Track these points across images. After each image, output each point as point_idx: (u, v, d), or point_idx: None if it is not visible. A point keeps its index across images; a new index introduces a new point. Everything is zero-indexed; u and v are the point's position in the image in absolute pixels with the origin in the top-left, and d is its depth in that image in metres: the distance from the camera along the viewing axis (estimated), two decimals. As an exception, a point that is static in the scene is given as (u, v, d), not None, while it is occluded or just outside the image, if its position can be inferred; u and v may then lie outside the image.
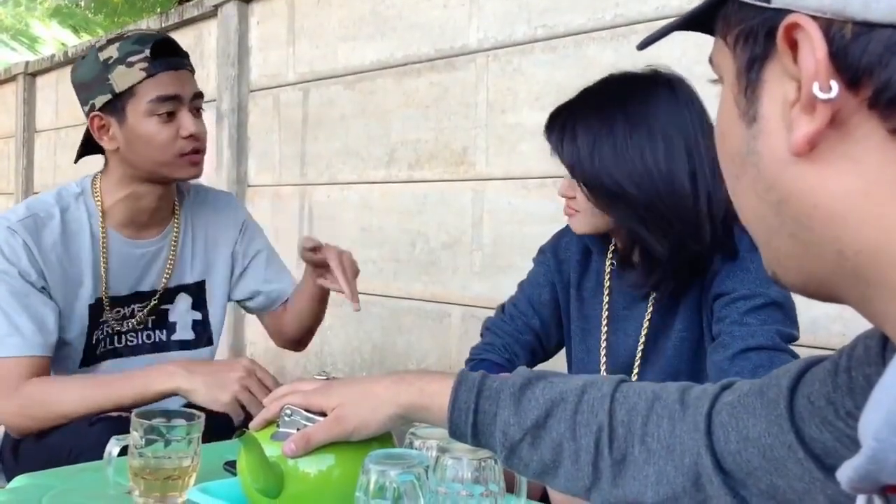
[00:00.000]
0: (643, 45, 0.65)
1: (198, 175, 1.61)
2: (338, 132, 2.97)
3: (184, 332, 1.71)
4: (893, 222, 0.46)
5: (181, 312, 1.71)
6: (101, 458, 1.19)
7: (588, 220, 1.31)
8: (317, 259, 1.60)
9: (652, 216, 1.22)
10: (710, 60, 0.57)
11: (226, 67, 3.38)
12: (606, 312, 1.41)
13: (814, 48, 0.46)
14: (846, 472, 0.43)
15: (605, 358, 1.40)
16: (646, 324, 1.35)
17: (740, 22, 0.52)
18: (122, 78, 1.50)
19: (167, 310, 1.69)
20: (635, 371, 1.37)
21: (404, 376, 0.95)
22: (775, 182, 0.51)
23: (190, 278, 1.71)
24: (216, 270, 1.75)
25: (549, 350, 1.51)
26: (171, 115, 1.52)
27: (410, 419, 0.95)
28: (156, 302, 1.67)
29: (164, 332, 1.69)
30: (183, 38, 3.80)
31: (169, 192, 1.65)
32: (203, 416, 1.11)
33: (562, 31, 2.25)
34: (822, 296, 0.54)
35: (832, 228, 0.48)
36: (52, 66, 5.03)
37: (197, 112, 1.58)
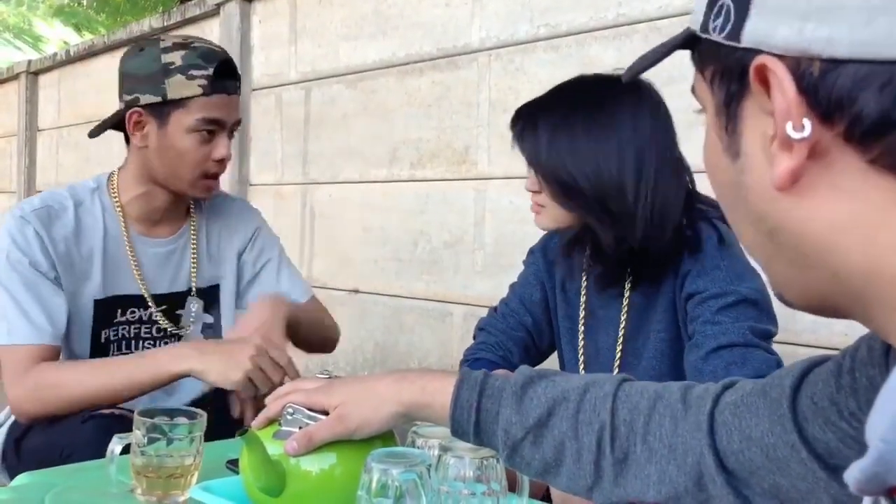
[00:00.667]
0: (629, 77, 0.65)
1: (208, 198, 1.65)
2: (340, 131, 2.97)
3: (195, 337, 1.69)
4: (883, 246, 0.46)
5: (194, 316, 1.70)
6: (94, 455, 1.20)
7: (552, 215, 1.34)
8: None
9: (599, 210, 1.26)
10: (693, 90, 0.58)
11: (228, 66, 3.38)
12: (583, 313, 1.41)
13: (783, 89, 0.46)
14: (853, 474, 0.43)
15: (582, 358, 1.41)
16: (622, 324, 1.35)
17: (714, 60, 0.52)
18: (178, 87, 1.51)
19: (180, 315, 1.68)
20: (614, 373, 1.36)
21: (406, 374, 0.95)
22: (765, 214, 0.51)
23: (202, 282, 1.70)
24: (227, 276, 1.74)
25: (543, 349, 1.52)
26: (210, 135, 1.54)
27: (412, 417, 0.95)
28: (170, 304, 1.65)
29: (176, 337, 1.68)
30: (185, 37, 3.82)
31: (184, 198, 1.66)
32: (205, 414, 1.11)
33: (564, 30, 2.25)
34: (829, 313, 0.55)
35: (824, 255, 0.49)
36: (54, 64, 5.03)
37: (231, 136, 1.60)
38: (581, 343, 1.41)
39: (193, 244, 1.69)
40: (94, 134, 1.66)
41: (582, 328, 1.41)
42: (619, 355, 1.36)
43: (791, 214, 0.49)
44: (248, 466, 0.95)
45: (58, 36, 10.67)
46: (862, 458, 0.43)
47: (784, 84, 0.46)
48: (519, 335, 1.48)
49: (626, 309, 1.35)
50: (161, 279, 1.64)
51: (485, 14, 2.47)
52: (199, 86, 1.51)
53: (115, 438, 1.08)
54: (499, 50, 2.42)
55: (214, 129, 1.54)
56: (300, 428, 0.95)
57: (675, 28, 2.16)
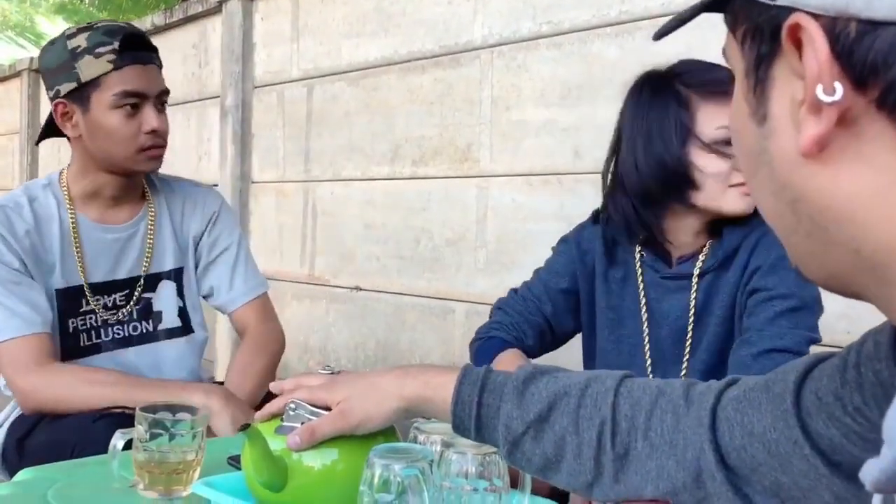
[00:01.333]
0: (658, 36, 0.63)
1: (156, 168, 1.63)
2: (342, 129, 2.97)
3: (170, 321, 1.71)
4: None
5: (167, 300, 1.71)
6: (105, 453, 1.20)
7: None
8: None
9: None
10: (724, 52, 0.56)
11: (230, 64, 3.38)
12: (645, 305, 1.40)
13: (816, 49, 0.44)
14: (871, 473, 0.42)
15: (648, 351, 1.41)
16: (691, 320, 1.35)
17: (747, 19, 0.51)
18: (88, 67, 1.51)
19: (150, 299, 1.68)
20: (683, 367, 1.36)
21: (408, 370, 0.94)
22: (788, 182, 0.50)
23: (169, 264, 1.71)
24: (188, 259, 1.75)
25: (560, 338, 1.51)
26: (134, 109, 1.53)
27: (415, 413, 0.95)
28: (140, 288, 1.66)
29: (151, 322, 1.68)
30: (187, 35, 3.81)
31: (135, 181, 1.66)
32: (208, 410, 1.11)
33: (567, 27, 2.25)
34: (846, 292, 0.53)
35: (847, 228, 0.47)
36: (56, 62, 5.03)
37: (161, 107, 1.59)
38: (646, 334, 1.40)
39: (150, 229, 1.68)
40: (38, 140, 1.69)
41: (645, 320, 1.41)
42: (688, 343, 1.36)
43: (814, 184, 0.48)
44: (250, 461, 0.95)
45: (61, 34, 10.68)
46: (879, 456, 0.42)
47: (817, 43, 0.44)
48: (536, 320, 1.48)
49: (693, 305, 1.35)
50: (117, 267, 1.64)
51: (487, 11, 2.46)
52: (109, 61, 1.50)
53: (117, 434, 1.08)
54: (501, 47, 2.42)
55: (136, 101, 1.53)
56: (302, 423, 0.95)
57: (678, 25, 2.10)
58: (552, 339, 1.51)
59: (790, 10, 0.46)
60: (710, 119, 1.28)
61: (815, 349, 1.79)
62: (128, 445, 1.08)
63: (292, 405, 0.97)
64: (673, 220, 1.35)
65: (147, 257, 1.67)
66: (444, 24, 2.59)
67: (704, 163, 1.27)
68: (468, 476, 0.93)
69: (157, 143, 1.57)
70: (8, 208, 1.55)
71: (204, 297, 1.80)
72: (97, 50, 1.51)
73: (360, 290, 2.88)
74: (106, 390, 1.45)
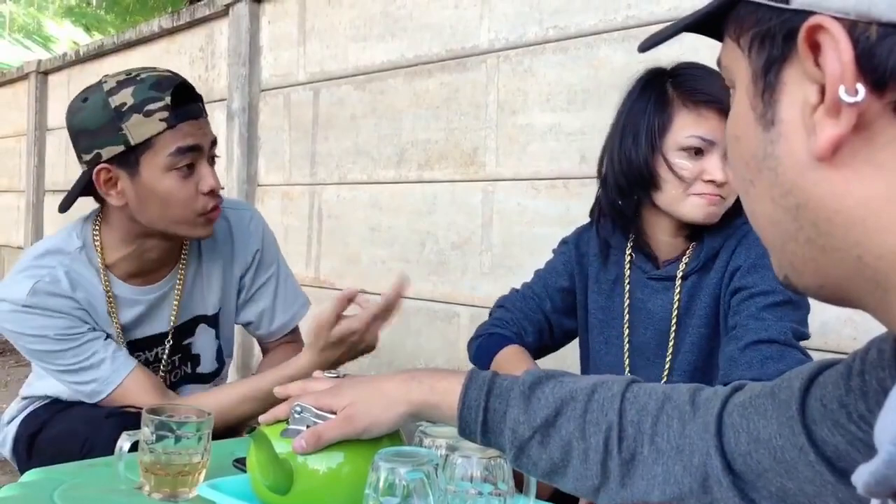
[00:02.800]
0: (644, 49, 0.64)
1: (210, 235, 1.51)
2: (348, 132, 2.98)
3: (208, 365, 1.68)
4: None
5: (205, 344, 1.66)
6: (113, 452, 1.21)
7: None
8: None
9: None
10: (719, 63, 0.56)
11: (237, 67, 3.39)
12: (628, 309, 1.41)
13: (839, 50, 0.44)
14: (862, 477, 0.43)
15: (627, 352, 1.41)
16: (674, 322, 1.36)
17: (755, 24, 0.51)
18: (138, 128, 1.36)
19: (189, 344, 1.65)
20: (666, 368, 1.37)
21: (414, 374, 0.95)
22: (794, 187, 0.50)
23: (210, 309, 1.65)
24: (230, 297, 1.68)
25: (557, 337, 1.52)
26: (189, 169, 1.41)
27: (421, 417, 0.95)
28: (171, 341, 1.60)
29: (189, 364, 1.66)
30: (194, 38, 3.83)
31: (178, 243, 1.56)
32: (213, 413, 1.12)
33: (573, 31, 2.25)
34: (837, 300, 0.53)
35: (853, 233, 0.47)
36: (63, 64, 5.05)
37: (212, 161, 1.46)
38: (626, 336, 1.42)
39: (179, 282, 1.58)
40: (64, 208, 1.46)
41: (626, 321, 1.42)
42: (671, 347, 1.36)
43: (823, 188, 0.48)
44: (256, 464, 0.95)
45: (68, 36, 10.72)
46: (871, 460, 0.42)
47: (841, 45, 0.44)
48: (536, 317, 1.50)
49: (676, 307, 1.36)
50: (154, 321, 1.58)
51: (493, 16, 2.47)
52: (161, 119, 1.37)
53: (123, 435, 1.08)
54: (507, 51, 2.42)
55: (192, 159, 1.40)
56: (308, 426, 0.95)
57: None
58: (551, 338, 1.52)
59: (806, 13, 0.46)
60: (685, 126, 1.29)
61: (818, 355, 1.79)
62: (134, 447, 1.08)
63: (297, 409, 0.97)
64: (648, 217, 1.37)
65: (174, 310, 1.58)
66: (450, 28, 2.59)
67: (667, 167, 1.29)
68: (473, 480, 0.93)
69: (215, 203, 1.45)
70: (43, 285, 1.42)
71: (244, 325, 1.75)
72: (147, 108, 1.36)
73: (365, 293, 2.88)
74: (237, 402, 1.43)
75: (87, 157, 1.42)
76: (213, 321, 1.67)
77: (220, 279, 1.65)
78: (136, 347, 1.57)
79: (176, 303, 1.58)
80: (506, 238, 2.43)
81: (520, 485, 1.01)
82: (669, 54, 2.00)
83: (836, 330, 1.75)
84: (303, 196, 3.18)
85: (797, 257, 0.53)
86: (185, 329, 1.63)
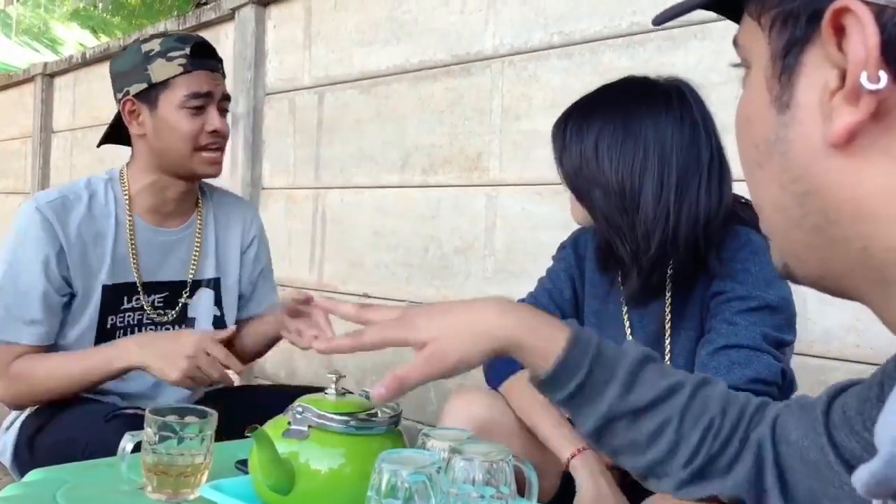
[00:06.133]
0: (659, 21, 0.62)
1: (216, 173, 1.68)
2: (352, 136, 2.99)
3: (204, 328, 1.73)
4: None
5: (204, 308, 1.75)
6: (115, 454, 1.21)
7: (582, 211, 1.35)
8: (299, 311, 1.56)
9: (615, 222, 1.27)
10: (735, 42, 0.55)
11: (242, 70, 3.40)
12: (626, 314, 1.41)
13: (865, 35, 0.43)
14: (862, 476, 0.42)
15: None
16: (668, 328, 1.35)
17: (779, 3, 0.49)
18: (160, 70, 1.60)
19: (187, 304, 1.72)
20: None
21: (506, 307, 0.85)
22: (805, 173, 0.48)
23: (209, 273, 1.76)
24: (229, 271, 1.80)
25: None
26: (199, 111, 1.61)
27: (501, 354, 0.84)
28: (186, 294, 1.72)
29: (184, 327, 1.71)
30: (200, 41, 3.84)
31: (193, 187, 1.73)
32: (216, 414, 1.12)
33: (578, 37, 2.26)
34: (838, 292, 0.52)
35: (861, 224, 0.46)
36: (69, 67, 5.07)
37: (223, 113, 1.67)
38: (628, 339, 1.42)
39: (198, 235, 1.74)
40: (101, 143, 1.77)
41: (628, 325, 1.41)
42: (668, 354, 1.36)
43: (835, 176, 0.46)
44: (258, 464, 0.95)
45: (75, 38, 10.74)
46: (871, 460, 0.42)
47: (868, 29, 0.43)
48: None
49: (669, 312, 1.35)
50: (162, 268, 1.69)
51: (499, 21, 2.47)
52: (180, 64, 1.60)
53: (126, 436, 1.09)
54: (512, 57, 2.43)
55: (202, 103, 1.61)
56: (309, 426, 0.95)
57: (688, 37, 2.18)
58: None
59: None
60: None
61: (820, 362, 1.79)
62: (137, 448, 1.08)
63: (299, 408, 0.97)
64: None
65: (193, 264, 1.73)
66: (455, 33, 2.60)
67: None
68: (475, 483, 0.93)
69: (217, 143, 1.64)
70: (67, 199, 1.60)
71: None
72: (169, 54, 1.60)
73: (368, 297, 2.88)
74: (56, 376, 1.53)
75: (119, 96, 1.67)
76: (213, 285, 1.76)
77: (222, 246, 1.79)
78: (145, 289, 1.66)
79: (195, 258, 1.73)
80: (509, 243, 2.44)
81: (521, 488, 1.02)
82: (675, 61, 2.01)
83: (839, 337, 1.75)
84: (307, 200, 3.18)
85: (800, 245, 0.52)
86: (191, 289, 1.73)
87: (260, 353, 1.85)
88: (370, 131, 2.91)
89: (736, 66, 0.55)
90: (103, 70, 4.72)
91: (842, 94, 0.45)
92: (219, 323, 1.76)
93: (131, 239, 1.65)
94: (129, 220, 1.65)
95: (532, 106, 2.38)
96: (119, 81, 1.67)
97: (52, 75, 5.25)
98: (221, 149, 1.67)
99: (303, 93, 3.21)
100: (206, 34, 3.76)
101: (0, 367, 1.54)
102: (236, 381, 1.46)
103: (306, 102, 3.19)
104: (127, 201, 1.66)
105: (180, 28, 3.92)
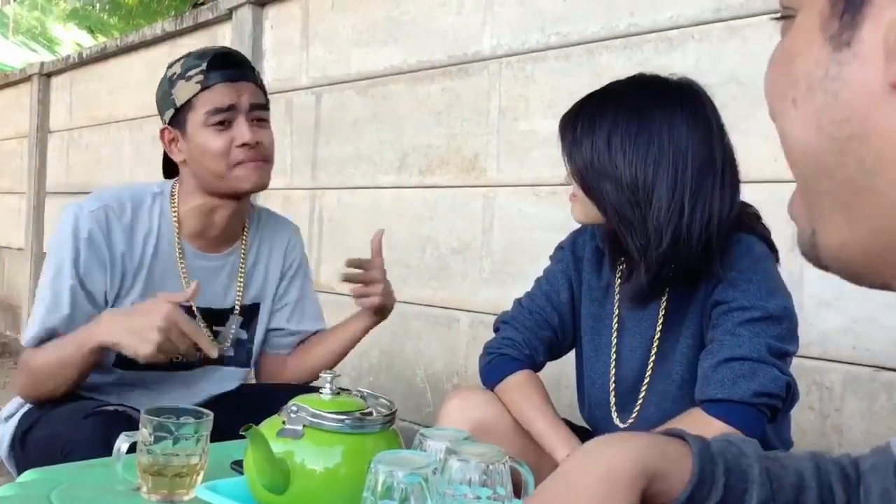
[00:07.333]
0: None
1: (260, 187, 1.60)
2: (350, 137, 2.98)
3: (227, 353, 1.69)
4: None
5: (231, 332, 1.70)
6: (94, 451, 1.21)
7: (583, 209, 1.34)
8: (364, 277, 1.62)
9: (627, 217, 1.26)
10: None
11: (239, 71, 3.40)
12: (616, 316, 1.41)
13: None
14: None
15: (613, 363, 1.41)
16: (658, 330, 1.35)
17: None
18: (181, 92, 1.55)
19: (217, 331, 1.68)
20: (647, 375, 1.37)
21: (634, 442, 0.73)
22: (855, 115, 0.45)
23: (249, 300, 1.71)
24: (268, 296, 1.75)
25: (565, 348, 1.52)
26: (226, 125, 1.54)
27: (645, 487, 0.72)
28: (238, 319, 1.68)
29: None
30: (197, 42, 3.83)
31: (241, 209, 1.66)
32: (212, 414, 1.12)
33: (575, 39, 2.26)
34: (860, 269, 0.49)
35: None
36: (66, 66, 5.06)
37: (259, 122, 1.59)
38: (613, 349, 1.41)
39: (242, 264, 1.69)
40: (164, 173, 1.69)
41: (615, 333, 1.41)
42: (652, 360, 1.36)
43: (889, 121, 0.44)
44: (253, 464, 0.95)
45: (72, 38, 10.74)
46: None
47: None
48: (545, 333, 1.47)
49: (662, 314, 1.35)
50: (205, 294, 1.62)
51: (496, 22, 2.47)
52: (197, 82, 1.54)
53: (121, 436, 1.08)
54: (510, 58, 2.43)
55: (225, 117, 1.54)
56: (304, 425, 0.95)
57: (686, 39, 2.18)
58: (559, 352, 1.52)
59: None
60: None
61: (817, 364, 1.79)
62: (132, 448, 1.08)
63: (294, 408, 0.97)
64: None
65: (239, 291, 1.69)
66: (453, 34, 2.60)
67: None
68: (471, 484, 0.93)
69: (251, 156, 1.56)
70: (110, 208, 1.55)
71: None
72: (188, 74, 1.55)
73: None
74: (49, 357, 1.50)
75: (161, 127, 1.63)
76: (245, 310, 1.71)
77: (264, 273, 1.74)
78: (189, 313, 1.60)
79: (240, 285, 1.69)
80: (506, 244, 2.43)
81: (518, 490, 1.01)
82: (672, 63, 2.01)
83: (836, 340, 1.75)
84: (304, 200, 3.18)
85: (828, 199, 0.49)
86: (216, 315, 1.67)
87: (329, 365, 1.77)
88: (367, 132, 2.91)
89: (776, 18, 0.52)
90: (100, 70, 4.74)
91: None
92: (240, 345, 1.71)
93: (181, 262, 1.60)
94: (178, 239, 1.61)
95: (529, 107, 2.38)
96: (160, 111, 1.63)
97: (49, 75, 5.24)
98: (261, 160, 1.58)
99: (300, 93, 3.20)
100: (204, 34, 3.76)
101: (23, 365, 1.53)
102: (214, 354, 1.43)
103: (303, 103, 3.19)
104: (176, 222, 1.61)
105: (177, 28, 3.92)
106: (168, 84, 1.58)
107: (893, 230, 0.45)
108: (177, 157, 1.60)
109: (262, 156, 1.58)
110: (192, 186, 1.61)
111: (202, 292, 1.59)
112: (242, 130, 1.54)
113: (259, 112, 1.59)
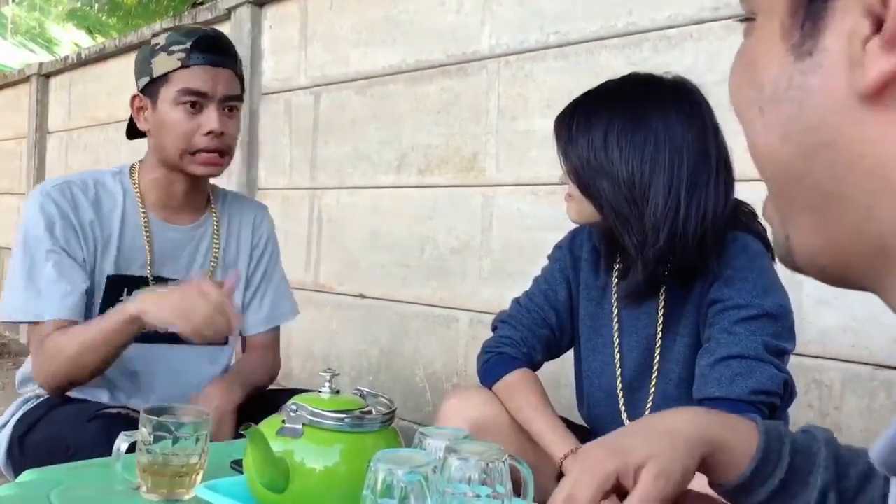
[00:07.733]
0: None
1: (210, 174, 1.63)
2: (349, 136, 2.98)
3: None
4: None
5: None
6: (99, 453, 1.20)
7: (579, 208, 1.34)
8: None
9: (623, 214, 1.27)
10: None
11: (238, 71, 3.40)
12: (616, 316, 1.41)
13: None
14: (878, 452, 0.41)
15: (618, 362, 1.41)
16: (659, 326, 1.35)
17: None
18: (160, 64, 1.56)
19: None
20: (654, 377, 1.37)
21: (693, 412, 0.78)
22: (823, 123, 0.45)
23: (220, 276, 1.72)
24: (241, 269, 1.77)
25: (563, 347, 1.52)
26: (196, 109, 1.56)
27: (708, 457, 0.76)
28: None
29: None
30: (196, 42, 3.83)
31: (200, 184, 1.68)
32: (211, 413, 1.12)
33: (574, 38, 2.26)
34: (837, 273, 0.49)
35: (871, 183, 0.43)
36: (65, 67, 5.06)
37: (229, 111, 1.61)
38: (616, 349, 1.41)
39: (215, 235, 1.71)
40: (128, 136, 1.72)
41: (616, 332, 1.41)
42: (657, 359, 1.36)
43: (856, 129, 0.44)
44: (252, 463, 0.95)
45: (71, 39, 10.73)
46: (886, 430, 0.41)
47: None
48: (543, 332, 1.48)
49: (661, 314, 1.35)
50: (173, 265, 1.65)
51: (495, 22, 2.47)
52: (178, 59, 1.55)
53: (121, 436, 1.08)
54: (508, 57, 2.43)
55: (198, 100, 1.56)
56: (304, 424, 0.95)
57: (684, 38, 2.18)
58: (557, 351, 1.52)
59: None
60: None
61: (816, 362, 1.79)
62: (131, 448, 1.08)
63: (293, 406, 0.97)
64: None
65: (213, 260, 1.70)
66: (452, 33, 2.60)
67: None
68: (471, 482, 0.93)
69: (214, 146, 1.58)
70: (73, 183, 1.58)
71: None
72: (171, 48, 1.56)
73: (364, 297, 2.88)
74: (78, 340, 1.47)
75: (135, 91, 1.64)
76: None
77: (234, 247, 1.75)
78: (135, 283, 1.61)
79: (215, 257, 1.70)
80: (505, 243, 2.43)
81: (517, 488, 1.01)
82: (670, 62, 2.01)
83: (835, 338, 1.75)
84: (303, 200, 3.18)
85: (798, 205, 0.49)
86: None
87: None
88: (366, 132, 2.91)
89: (740, 20, 0.52)
90: (99, 70, 4.73)
91: (877, 40, 0.42)
92: None
93: (146, 233, 1.62)
94: (144, 215, 1.62)
95: (528, 106, 2.38)
96: (135, 77, 1.65)
97: (48, 76, 5.24)
98: (221, 152, 1.60)
99: (299, 93, 3.20)
100: (202, 34, 3.76)
101: (34, 346, 1.52)
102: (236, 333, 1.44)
103: (302, 103, 3.19)
104: (138, 195, 1.63)
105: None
106: (150, 52, 1.59)
107: (865, 234, 0.45)
108: (142, 126, 1.62)
109: (223, 145, 1.60)
110: (152, 158, 1.64)
111: (167, 263, 1.63)
112: (211, 118, 1.56)
113: (232, 102, 1.62)
